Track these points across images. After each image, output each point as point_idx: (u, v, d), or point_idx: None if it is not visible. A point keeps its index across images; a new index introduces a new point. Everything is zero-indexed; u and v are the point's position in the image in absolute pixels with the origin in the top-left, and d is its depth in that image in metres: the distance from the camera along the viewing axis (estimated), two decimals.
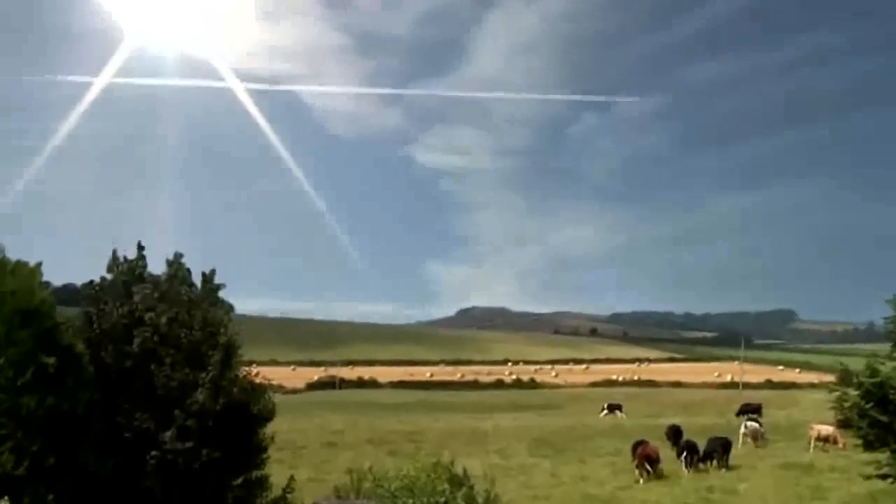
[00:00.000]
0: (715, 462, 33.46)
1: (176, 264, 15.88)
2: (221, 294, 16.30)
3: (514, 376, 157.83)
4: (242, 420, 15.35)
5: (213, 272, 15.96)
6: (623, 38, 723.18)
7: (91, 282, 15.62)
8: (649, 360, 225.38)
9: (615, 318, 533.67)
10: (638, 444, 32.90)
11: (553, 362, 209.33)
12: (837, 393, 25.72)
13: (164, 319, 15.15)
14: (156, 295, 15.41)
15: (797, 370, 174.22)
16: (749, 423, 42.62)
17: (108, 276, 15.62)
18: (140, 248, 15.83)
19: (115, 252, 15.68)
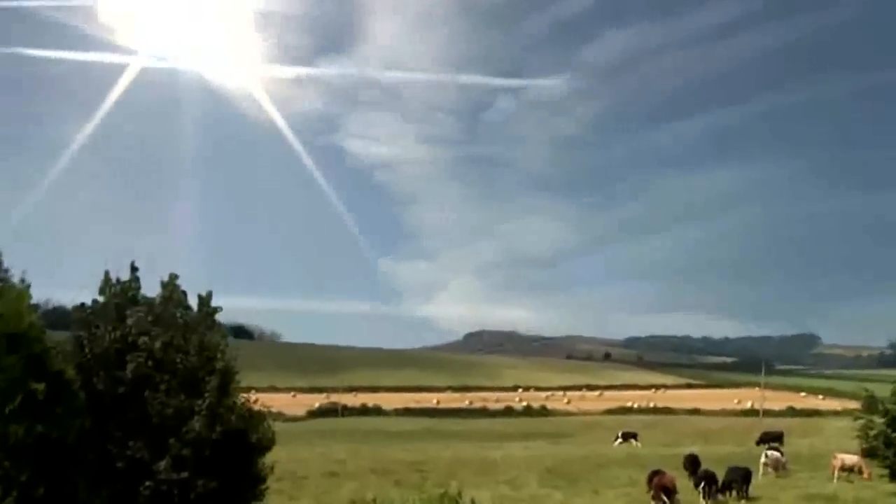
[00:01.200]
0: (734, 493, 33.24)
1: (171, 286, 15.93)
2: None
3: (524, 403, 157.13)
4: (240, 449, 15.32)
5: (209, 294, 15.98)
6: (517, 13, 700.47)
7: (82, 304, 15.66)
8: (666, 387, 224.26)
9: (631, 342, 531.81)
10: (654, 474, 32.70)
11: (565, 388, 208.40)
12: (862, 421, 25.66)
13: (158, 344, 15.16)
14: (150, 318, 15.44)
15: (820, 397, 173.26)
16: (770, 452, 42.34)
17: (100, 299, 15.65)
18: (133, 269, 15.87)
19: (107, 273, 15.71)
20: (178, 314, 15.67)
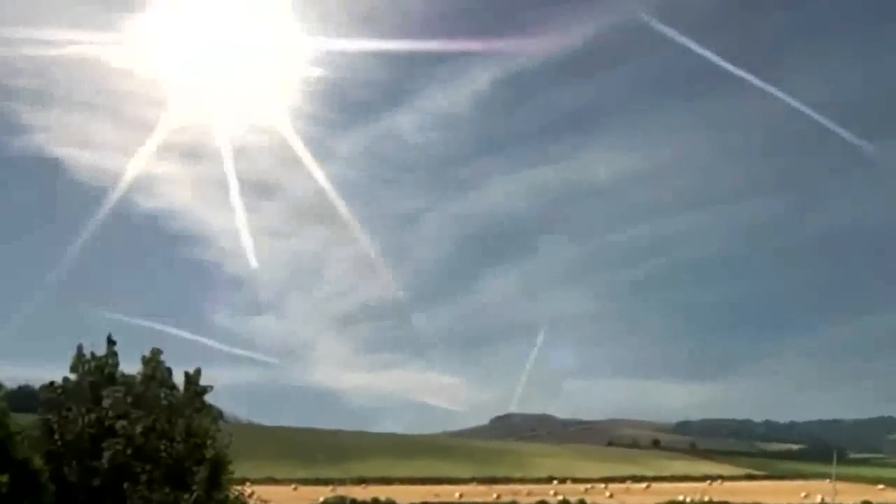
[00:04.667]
0: None
1: (153, 362, 15.77)
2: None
3: (560, 497, 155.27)
4: None
5: (197, 371, 15.83)
6: None
7: (51, 383, 15.50)
8: (722, 478, 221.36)
9: (682, 426, 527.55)
10: None
11: (607, 480, 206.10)
12: None
13: (139, 428, 14.99)
14: (129, 399, 15.27)
15: None
16: None
17: (72, 377, 15.50)
18: (110, 342, 15.71)
19: (79, 347, 15.55)
20: (162, 394, 15.50)
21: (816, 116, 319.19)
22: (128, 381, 15.51)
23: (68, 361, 15.21)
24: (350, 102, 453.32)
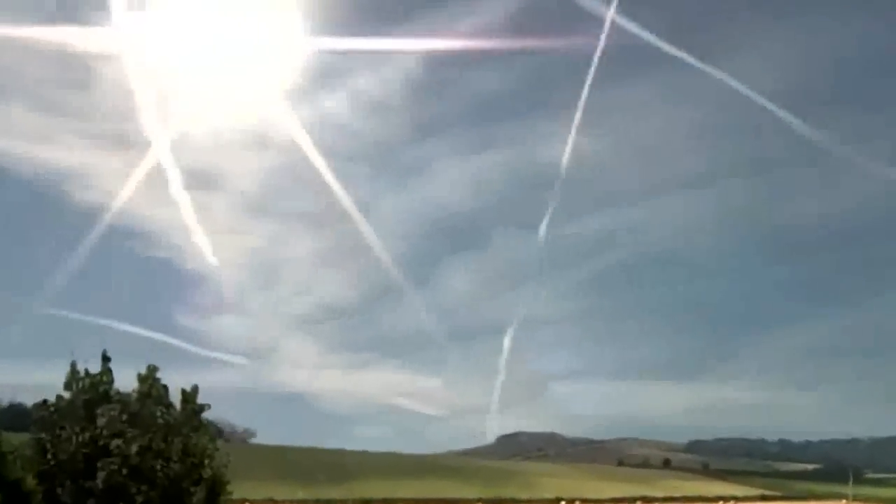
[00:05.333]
0: None
1: (149, 380, 15.70)
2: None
3: None
4: None
5: (195, 389, 15.75)
6: None
7: (44, 401, 15.43)
8: (736, 499, 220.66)
9: (694, 445, 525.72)
10: None
11: (617, 500, 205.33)
12: None
13: (134, 448, 14.93)
14: (124, 418, 15.21)
15: None
16: None
17: (66, 395, 15.44)
18: (105, 359, 15.65)
19: (73, 364, 15.48)
20: (159, 413, 15.44)
21: (762, 101, 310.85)
22: (123, 398, 15.45)
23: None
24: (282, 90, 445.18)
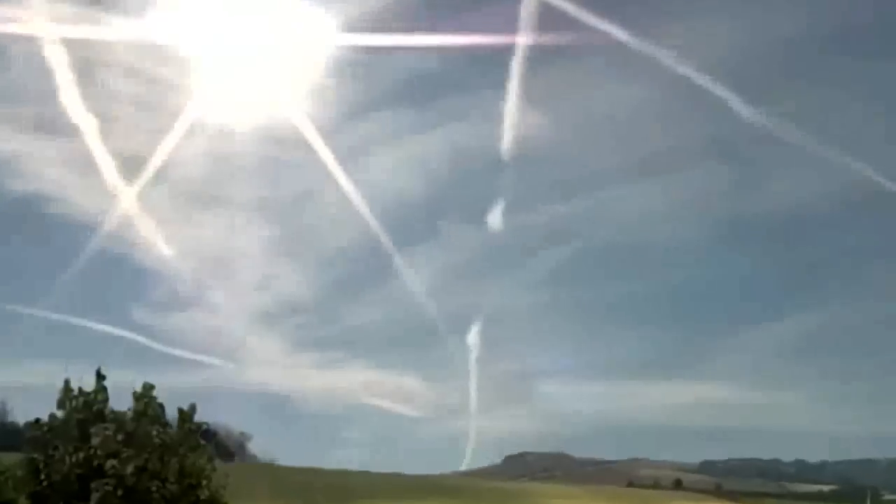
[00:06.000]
0: None
1: (144, 398, 15.67)
2: None
3: None
4: None
5: (192, 407, 15.72)
6: None
7: (37, 420, 15.41)
8: None
9: (707, 466, 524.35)
10: None
11: None
12: None
13: (130, 468, 14.90)
14: (120, 437, 15.18)
15: None
16: None
17: (59, 414, 15.42)
18: (99, 376, 15.62)
19: (66, 382, 15.44)
20: (155, 432, 15.39)
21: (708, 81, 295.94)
22: (118, 417, 15.42)
23: None
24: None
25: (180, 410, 15.77)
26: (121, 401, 15.68)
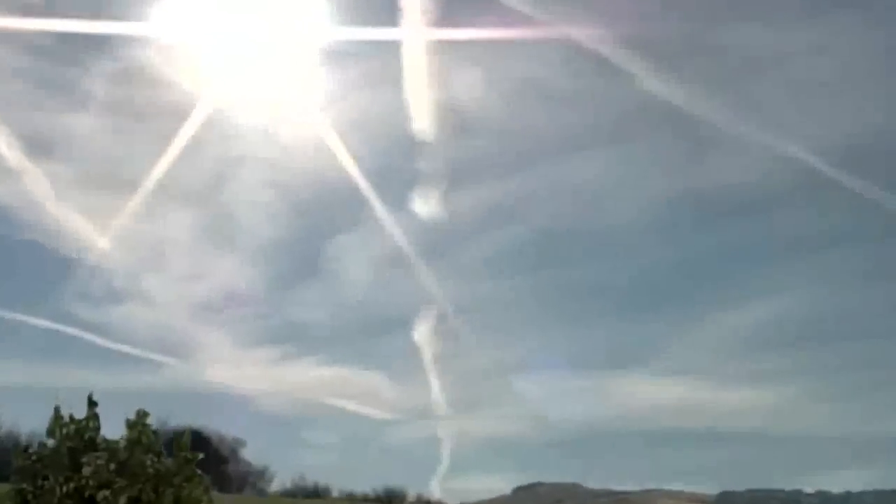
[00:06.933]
0: None
1: (139, 426, 15.51)
2: None
3: None
4: None
5: (187, 434, 15.56)
6: None
7: (26, 449, 15.29)
8: None
9: (725, 497, 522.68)
10: None
11: None
12: None
13: (123, 499, 14.76)
14: (112, 467, 15.03)
15: None
16: None
17: (49, 442, 15.29)
18: (91, 403, 15.48)
19: (56, 409, 15.33)
20: (149, 461, 15.22)
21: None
22: (110, 446, 15.26)
23: None
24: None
25: (176, 439, 15.60)
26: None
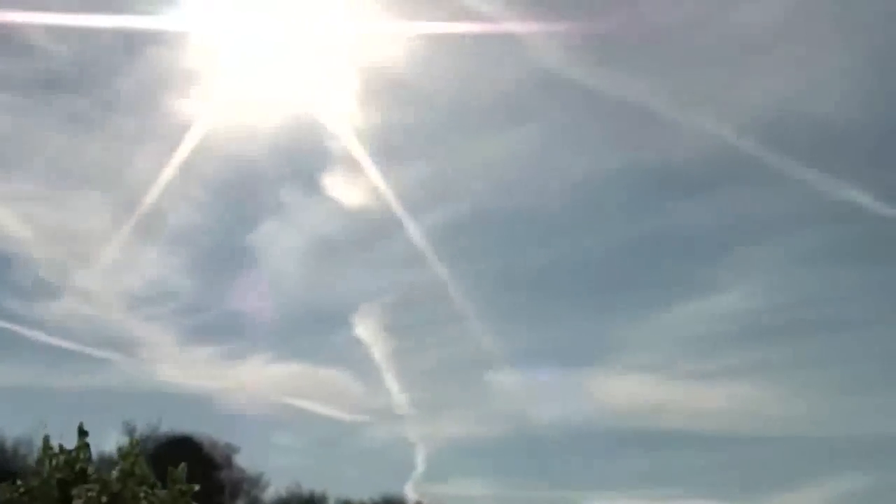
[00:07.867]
0: None
1: (131, 457, 15.19)
2: None
3: None
4: None
5: (182, 468, 15.25)
6: None
7: (13, 481, 15.00)
8: None
9: None
10: None
11: None
12: None
13: None
14: (104, 499, 14.75)
15: None
16: None
17: (38, 473, 15.02)
18: (81, 432, 15.17)
19: (45, 439, 15.02)
20: (142, 494, 14.93)
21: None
22: (102, 478, 14.96)
23: None
24: None
25: (170, 471, 15.29)
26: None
